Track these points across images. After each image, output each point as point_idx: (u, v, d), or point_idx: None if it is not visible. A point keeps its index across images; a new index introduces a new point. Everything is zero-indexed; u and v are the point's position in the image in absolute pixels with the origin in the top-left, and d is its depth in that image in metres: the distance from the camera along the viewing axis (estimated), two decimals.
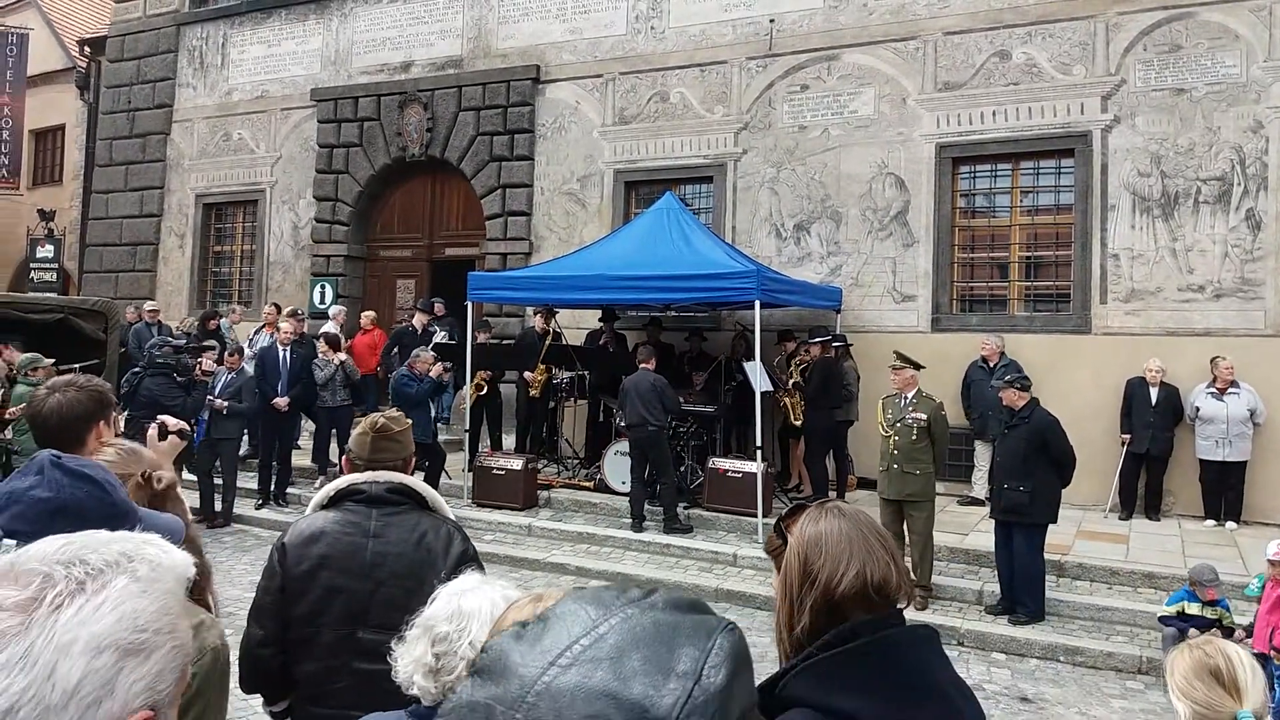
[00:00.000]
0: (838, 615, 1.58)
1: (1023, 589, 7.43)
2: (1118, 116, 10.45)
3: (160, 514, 1.71)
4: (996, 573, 7.74)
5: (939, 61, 11.29)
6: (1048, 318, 10.82)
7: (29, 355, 8.43)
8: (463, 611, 1.75)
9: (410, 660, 1.74)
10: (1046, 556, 7.58)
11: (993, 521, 7.72)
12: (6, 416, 7.81)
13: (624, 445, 10.07)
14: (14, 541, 1.39)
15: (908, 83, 11.42)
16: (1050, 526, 7.45)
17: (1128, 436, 9.78)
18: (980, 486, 10.25)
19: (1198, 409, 9.50)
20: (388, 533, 2.70)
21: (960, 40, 11.19)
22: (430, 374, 10.24)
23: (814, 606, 1.59)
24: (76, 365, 7.82)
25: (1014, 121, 10.92)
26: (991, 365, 10.12)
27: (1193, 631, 6.05)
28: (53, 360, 8.40)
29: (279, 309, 13.02)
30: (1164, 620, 6.73)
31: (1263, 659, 5.67)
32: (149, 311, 13.80)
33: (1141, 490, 9.85)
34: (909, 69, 11.43)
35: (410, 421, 3.03)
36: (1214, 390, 9.42)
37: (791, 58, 12.02)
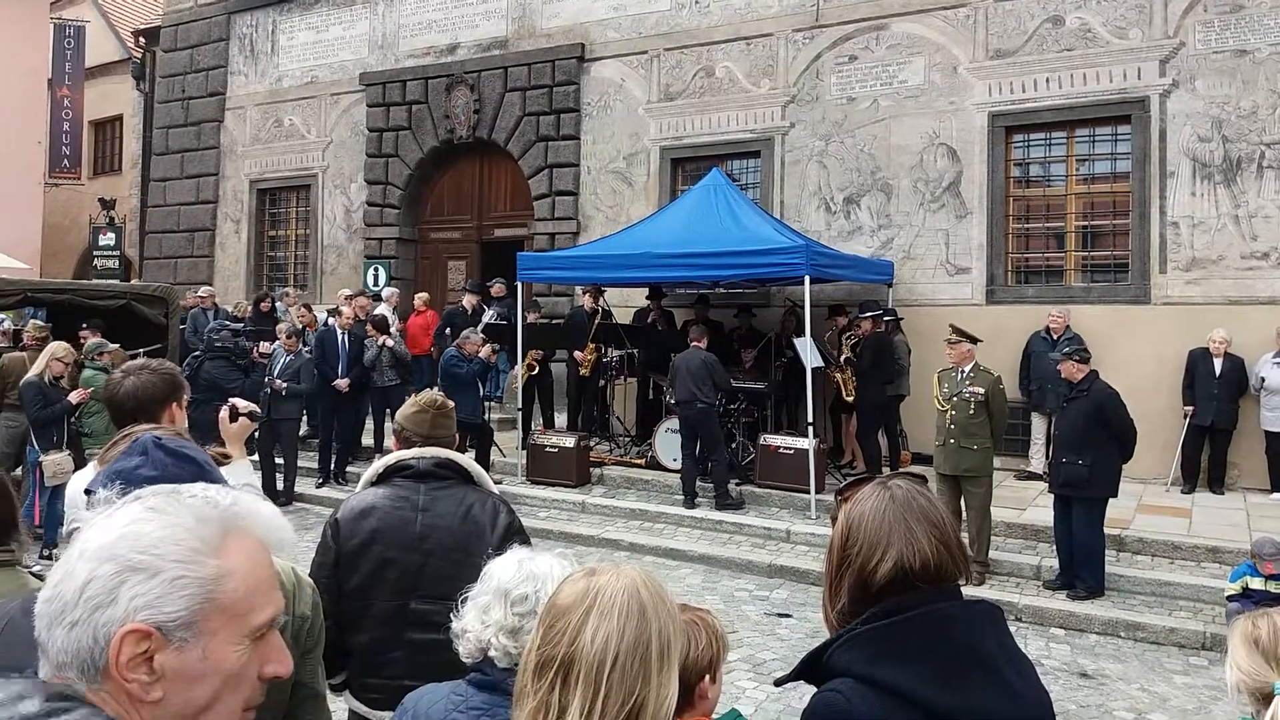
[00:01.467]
0: (874, 598, 1.58)
1: (1082, 564, 7.33)
2: (1176, 80, 10.16)
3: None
4: (1055, 547, 7.64)
5: (990, 29, 11.06)
6: (1105, 288, 10.60)
7: (95, 340, 8.69)
8: (535, 575, 1.81)
9: (489, 624, 1.78)
10: (1106, 531, 7.46)
11: (1051, 496, 7.62)
12: (74, 400, 8.06)
13: (675, 423, 10.09)
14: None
15: (958, 51, 11.21)
16: (1110, 500, 7.33)
17: (1190, 408, 9.56)
18: (1037, 460, 10.11)
19: (1263, 379, 9.26)
20: (436, 506, 2.76)
21: (1011, 6, 10.94)
22: (479, 355, 10.33)
23: (851, 588, 1.60)
24: (141, 350, 8.06)
25: (1068, 88, 10.67)
26: (1055, 337, 9.95)
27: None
28: (118, 345, 8.65)
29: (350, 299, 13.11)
30: (1230, 599, 6.61)
31: None
32: (203, 296, 14.07)
33: (1205, 463, 9.64)
34: (959, 37, 11.21)
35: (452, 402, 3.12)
36: (1279, 360, 9.17)
37: (838, 28, 11.85)
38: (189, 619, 1.02)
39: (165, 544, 1.02)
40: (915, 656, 1.52)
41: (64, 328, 9.72)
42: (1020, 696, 1.57)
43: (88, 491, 1.56)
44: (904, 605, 1.55)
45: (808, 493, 9.23)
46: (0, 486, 1.98)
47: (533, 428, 11.51)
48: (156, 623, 1.00)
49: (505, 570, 1.84)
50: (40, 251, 18.94)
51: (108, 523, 1.04)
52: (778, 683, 1.78)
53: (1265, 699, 2.05)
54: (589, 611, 1.34)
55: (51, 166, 20.27)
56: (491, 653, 1.79)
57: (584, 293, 11.87)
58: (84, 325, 9.48)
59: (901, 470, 1.78)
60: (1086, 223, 10.86)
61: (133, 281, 16.61)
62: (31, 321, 10.31)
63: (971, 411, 7.61)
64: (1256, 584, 6.43)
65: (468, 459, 2.91)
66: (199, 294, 14.18)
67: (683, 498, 9.67)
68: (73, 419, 8.15)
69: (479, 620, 1.80)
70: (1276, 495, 9.26)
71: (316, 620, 2.24)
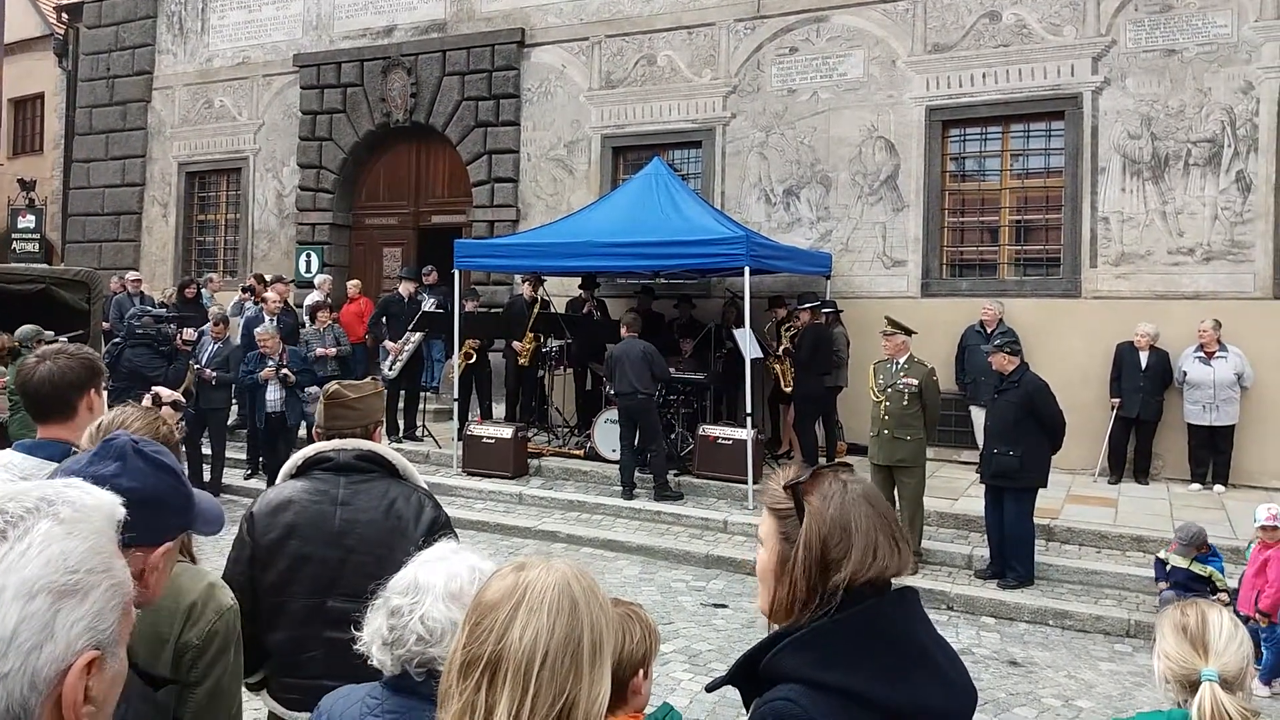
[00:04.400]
0: (849, 598, 1.53)
1: (1013, 553, 7.45)
2: (1108, 78, 10.36)
3: (204, 494, 1.69)
4: (986, 537, 7.76)
5: (928, 23, 11.16)
6: (1038, 282, 10.78)
7: (30, 327, 8.33)
8: (418, 585, 1.70)
9: (371, 631, 1.71)
10: (1036, 521, 7.59)
11: (982, 486, 7.73)
12: None
13: (614, 413, 10.04)
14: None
15: (897, 44, 11.29)
16: (1040, 491, 7.46)
17: (1117, 401, 9.78)
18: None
19: (1185, 373, 9.49)
20: (356, 500, 2.65)
21: (950, 1, 11.05)
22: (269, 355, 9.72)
23: (827, 590, 1.53)
24: (63, 336, 7.75)
25: (1004, 84, 10.82)
26: (989, 330, 10.09)
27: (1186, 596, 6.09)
28: (53, 332, 8.32)
29: (262, 279, 12.89)
30: (1156, 562, 6.82)
31: (1247, 621, 5.70)
32: (132, 281, 13.66)
33: (1130, 454, 9.87)
34: (898, 30, 11.29)
35: (377, 388, 2.97)
36: (1201, 355, 9.42)
37: (780, 19, 11.86)
38: (117, 631, 0.93)
39: (90, 557, 0.92)
40: (866, 656, 1.49)
41: None
42: (954, 684, 1.56)
43: None
44: (843, 602, 1.51)
45: (745, 483, 9.25)
46: None
47: (469, 418, 11.37)
48: (98, 643, 0.90)
49: (399, 575, 1.75)
50: None
51: (18, 553, 0.88)
52: (709, 688, 1.72)
53: (1191, 686, 2.07)
54: (517, 607, 1.28)
55: None
56: (372, 662, 1.70)
57: (523, 281, 11.75)
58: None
59: (838, 463, 1.72)
60: (1020, 217, 11.03)
61: (54, 265, 16.05)
62: None
63: (905, 403, 7.68)
64: (1179, 561, 6.59)
65: (392, 451, 2.81)
66: (128, 279, 13.75)
67: (621, 489, 9.63)
68: None
69: (367, 625, 1.73)
70: (1196, 485, 9.52)
71: (210, 653, 2.00)
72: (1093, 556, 7.91)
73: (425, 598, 1.66)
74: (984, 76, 10.89)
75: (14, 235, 18.05)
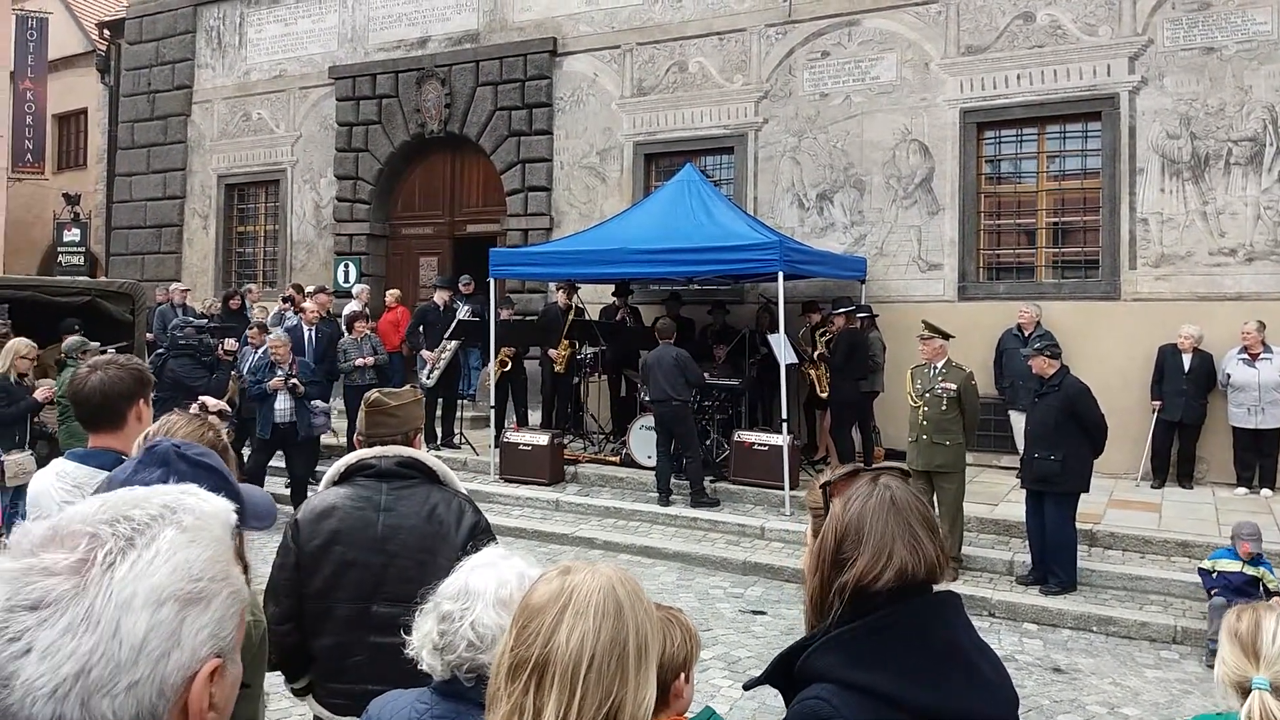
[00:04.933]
0: (867, 602, 1.54)
1: (1054, 559, 7.36)
2: (1145, 77, 10.23)
3: (253, 489, 1.71)
4: (1028, 543, 7.67)
5: (961, 25, 11.09)
6: (1076, 284, 10.66)
7: (77, 339, 8.51)
8: (468, 590, 1.72)
9: (420, 635, 1.73)
10: (1078, 526, 7.50)
11: (1023, 492, 7.65)
12: (40, 398, 7.88)
13: (649, 420, 10.04)
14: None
15: (930, 47, 11.23)
16: (1082, 495, 7.37)
17: (1159, 403, 9.64)
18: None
19: (1229, 376, 9.34)
20: (399, 506, 2.69)
21: (983, 2, 10.98)
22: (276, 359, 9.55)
23: (842, 591, 1.55)
24: (111, 347, 7.91)
25: (1039, 85, 10.72)
26: (1026, 334, 10.00)
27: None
28: (98, 343, 8.49)
29: (301, 289, 13.06)
30: (1202, 573, 6.68)
31: None
32: (181, 291, 13.83)
33: (1174, 458, 9.72)
34: (931, 33, 11.23)
35: (416, 396, 3.00)
36: (1245, 356, 9.26)
37: (811, 24, 11.84)
38: (237, 637, 0.94)
39: (211, 565, 0.92)
40: (896, 657, 1.49)
41: (28, 325, 9.51)
42: (996, 690, 1.55)
43: None
44: (879, 604, 1.52)
45: (782, 489, 9.22)
46: None
47: (505, 425, 11.43)
48: (220, 651, 0.91)
49: (449, 579, 1.77)
50: (3, 248, 18.59)
51: (146, 560, 0.87)
52: (746, 686, 1.74)
53: (1245, 692, 2.05)
54: (564, 611, 1.30)
55: (14, 161, 19.88)
56: (422, 667, 1.72)
57: (557, 289, 11.80)
58: (75, 326, 9.29)
59: (887, 465, 1.71)
60: (1057, 219, 10.92)
61: (99, 278, 16.36)
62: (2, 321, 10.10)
63: (944, 407, 7.62)
64: (1228, 565, 6.48)
65: (433, 458, 2.84)
66: (174, 289, 13.95)
67: (657, 495, 9.63)
68: (36, 418, 7.97)
69: (417, 630, 1.74)
70: (1242, 489, 9.35)
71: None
72: (1136, 562, 7.80)
73: (476, 604, 1.68)
74: (1018, 78, 10.80)
75: (60, 249, 18.42)
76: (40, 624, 0.82)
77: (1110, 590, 7.43)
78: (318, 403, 9.65)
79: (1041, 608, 7.17)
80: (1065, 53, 10.59)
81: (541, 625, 1.30)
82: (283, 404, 9.52)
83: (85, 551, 0.85)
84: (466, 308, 12.09)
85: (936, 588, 1.59)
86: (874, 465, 1.70)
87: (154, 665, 0.85)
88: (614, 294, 11.84)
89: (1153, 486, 9.61)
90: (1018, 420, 10.10)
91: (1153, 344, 9.80)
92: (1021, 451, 10.22)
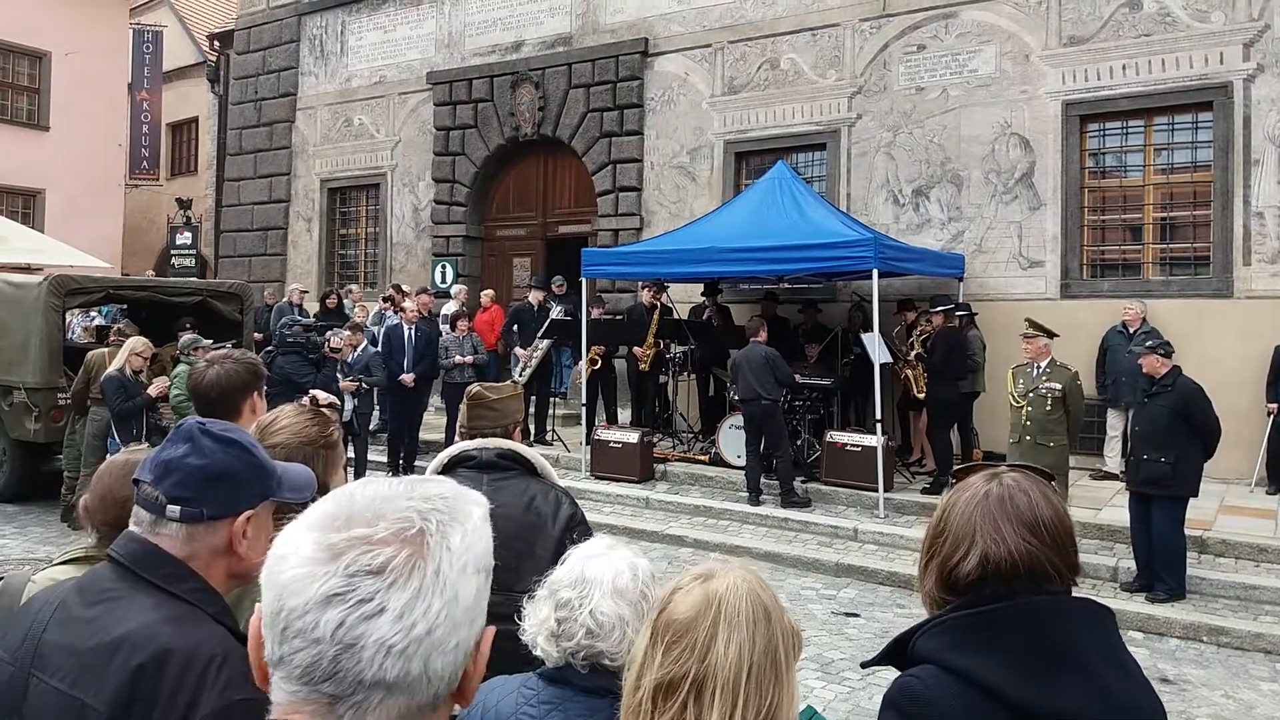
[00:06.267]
0: (959, 591, 1.56)
1: (1162, 565, 7.10)
2: (1261, 65, 9.78)
3: (292, 464, 1.77)
4: (1132, 548, 7.42)
5: (1063, 15, 10.77)
6: (1185, 281, 10.26)
7: (190, 336, 8.93)
8: (586, 579, 1.74)
9: (536, 622, 1.75)
10: (1187, 532, 7.22)
11: (1126, 496, 7.40)
12: (153, 393, 8.27)
13: (738, 419, 10.02)
14: (177, 508, 1.49)
15: (1030, 38, 10.94)
16: (1191, 501, 7.10)
17: (1275, 406, 9.22)
18: (1113, 460, 9.81)
19: None
20: (498, 496, 2.73)
21: None
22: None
23: (937, 577, 1.60)
24: (226, 344, 8.27)
25: (1146, 75, 10.34)
26: (1131, 331, 9.67)
27: None
28: (210, 340, 8.89)
29: (401, 289, 13.40)
30: None
31: None
32: (299, 292, 14.26)
33: None
34: (1031, 24, 10.94)
35: (515, 390, 3.07)
36: None
37: (906, 17, 11.65)
38: None
39: (491, 545, 1.01)
40: (1001, 649, 1.49)
41: (145, 324, 10.04)
42: (1114, 698, 1.51)
43: (136, 481, 1.54)
44: (995, 597, 1.53)
45: (876, 491, 9.10)
46: None
47: (596, 423, 11.54)
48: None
49: (565, 567, 1.79)
50: (121, 251, 19.54)
51: (471, 529, 0.96)
52: (864, 665, 1.78)
53: None
54: (716, 623, 1.32)
55: (131, 168, 20.89)
56: (536, 653, 1.74)
57: (643, 288, 11.87)
58: (188, 324, 9.81)
59: (1024, 465, 1.72)
60: (1165, 214, 10.53)
61: (208, 279, 17.06)
62: (124, 321, 10.65)
63: (1048, 408, 7.44)
64: None
65: (530, 450, 2.91)
66: (290, 289, 14.42)
67: (747, 494, 9.61)
68: (153, 412, 8.38)
69: (531, 616, 1.77)
70: None
71: None
72: (1251, 570, 7.48)
73: (594, 592, 1.71)
74: (1124, 68, 10.44)
75: (173, 251, 19.28)
76: (389, 587, 0.87)
77: (1222, 599, 7.14)
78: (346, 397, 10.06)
79: (1148, 615, 6.93)
80: (1174, 41, 10.20)
81: (695, 640, 1.31)
82: (347, 403, 10.00)
83: (418, 524, 0.91)
84: (560, 307, 12.25)
85: (1075, 593, 1.59)
86: (1019, 465, 1.71)
87: (470, 627, 0.93)
88: (703, 293, 11.85)
89: (1268, 492, 9.20)
90: (1115, 420, 9.79)
91: (1268, 344, 9.37)
92: (1106, 451, 9.92)
